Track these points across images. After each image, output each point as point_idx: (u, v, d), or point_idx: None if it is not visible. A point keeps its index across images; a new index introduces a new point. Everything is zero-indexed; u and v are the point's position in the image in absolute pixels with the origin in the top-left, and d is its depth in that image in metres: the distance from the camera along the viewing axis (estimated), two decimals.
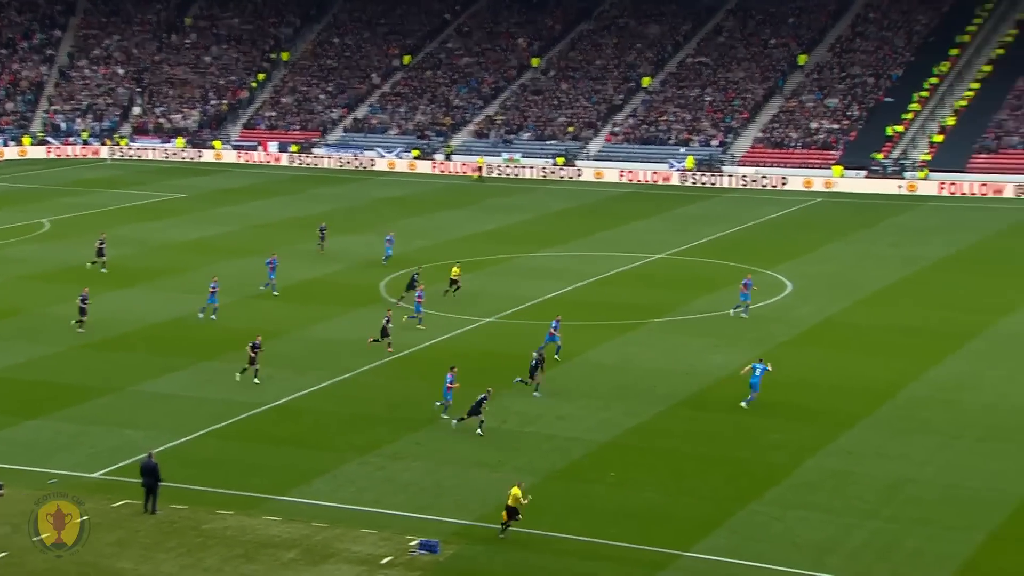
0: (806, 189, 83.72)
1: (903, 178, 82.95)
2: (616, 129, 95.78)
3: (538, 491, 31.97)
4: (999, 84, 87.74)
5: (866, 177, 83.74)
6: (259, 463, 34.16)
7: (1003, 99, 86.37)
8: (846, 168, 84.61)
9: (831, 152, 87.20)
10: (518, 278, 56.73)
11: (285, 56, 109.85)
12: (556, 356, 42.86)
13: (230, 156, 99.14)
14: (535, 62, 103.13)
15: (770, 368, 38.30)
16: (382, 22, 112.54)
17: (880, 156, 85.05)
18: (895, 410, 37.94)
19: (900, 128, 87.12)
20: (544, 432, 36.58)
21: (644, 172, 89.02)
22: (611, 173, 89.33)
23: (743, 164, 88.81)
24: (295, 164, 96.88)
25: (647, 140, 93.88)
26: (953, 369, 42.09)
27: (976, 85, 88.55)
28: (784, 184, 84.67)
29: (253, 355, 40.68)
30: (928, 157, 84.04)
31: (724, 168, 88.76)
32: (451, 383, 37.28)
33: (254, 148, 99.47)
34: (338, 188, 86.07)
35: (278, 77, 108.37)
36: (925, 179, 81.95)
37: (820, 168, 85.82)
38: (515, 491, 28.96)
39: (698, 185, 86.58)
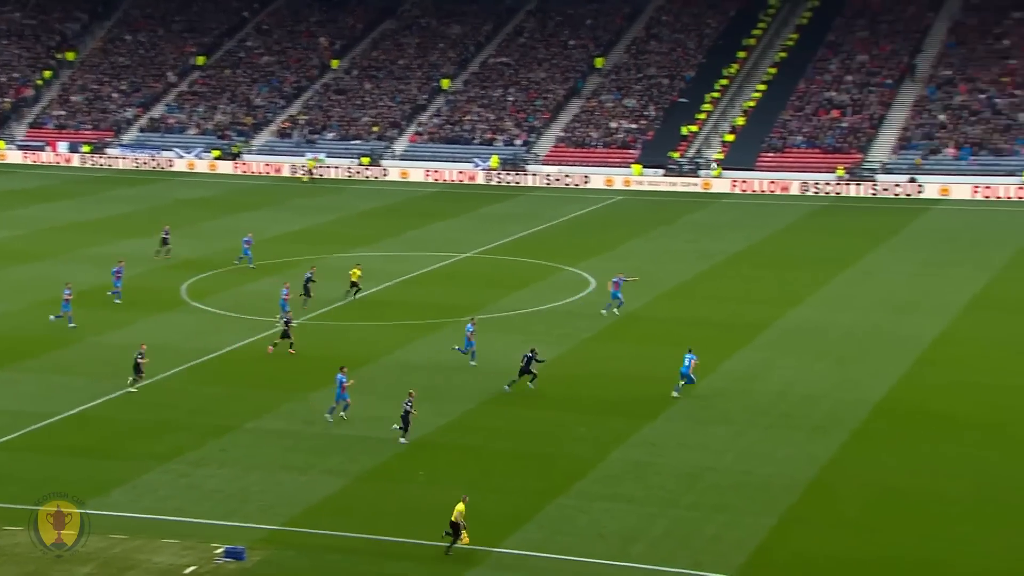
0: (607, 187, 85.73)
1: (698, 176, 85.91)
2: (420, 129, 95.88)
3: (348, 493, 31.75)
4: (783, 86, 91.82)
5: (664, 175, 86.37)
6: (52, 475, 32.68)
7: (787, 100, 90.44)
8: (645, 167, 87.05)
9: (630, 151, 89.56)
10: (325, 279, 56.07)
11: (70, 56, 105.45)
12: (472, 362, 42.89)
13: (15, 157, 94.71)
14: (335, 63, 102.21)
15: (696, 359, 39.57)
16: (177, 19, 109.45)
17: (676, 155, 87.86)
18: (694, 401, 39.19)
19: (694, 128, 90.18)
20: (354, 434, 36.30)
21: (450, 171, 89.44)
22: (417, 173, 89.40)
23: (546, 163, 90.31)
24: (88, 165, 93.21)
25: (452, 140, 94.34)
26: (747, 360, 43.73)
27: (763, 87, 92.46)
28: (586, 183, 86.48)
29: (140, 363, 39.48)
30: (721, 156, 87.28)
31: (528, 167, 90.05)
32: (344, 383, 36.90)
33: (42, 148, 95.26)
34: (136, 189, 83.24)
35: (66, 75, 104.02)
36: (719, 177, 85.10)
37: (620, 167, 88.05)
38: (460, 507, 28.23)
39: (503, 184, 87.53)
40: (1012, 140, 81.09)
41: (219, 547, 28.09)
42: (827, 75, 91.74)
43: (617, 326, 48.67)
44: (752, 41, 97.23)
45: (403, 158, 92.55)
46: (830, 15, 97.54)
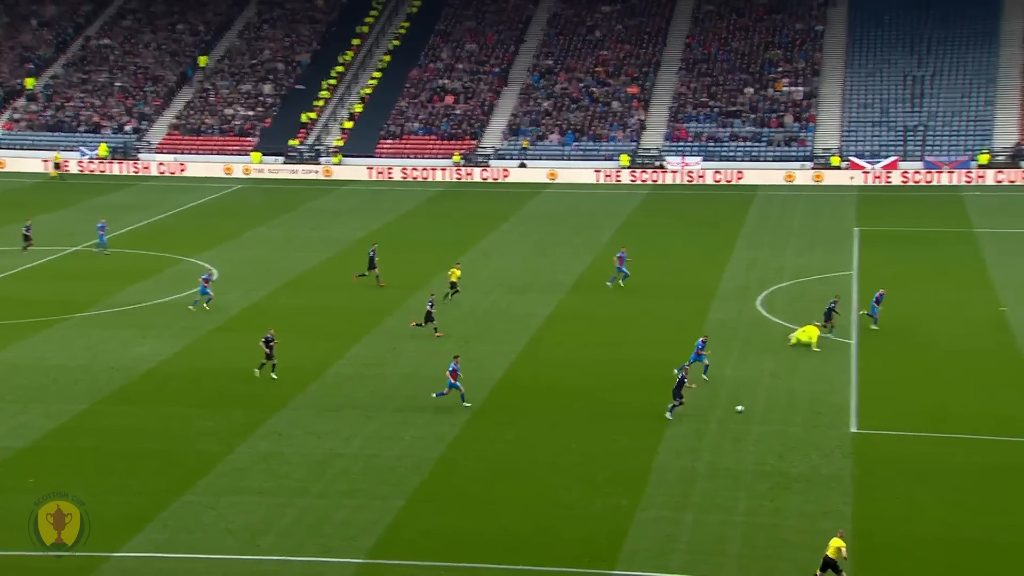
0: (226, 175, 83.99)
1: (319, 163, 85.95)
2: (17, 115, 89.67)
3: None
4: (397, 73, 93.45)
5: (284, 163, 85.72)
6: None
7: (401, 88, 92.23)
8: (264, 154, 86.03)
9: (248, 138, 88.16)
10: None
11: None
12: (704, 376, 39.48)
13: None
14: None
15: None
16: None
17: (296, 142, 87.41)
18: (323, 388, 39.29)
19: (313, 115, 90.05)
20: None
21: (54, 160, 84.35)
22: (14, 162, 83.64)
23: (160, 151, 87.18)
24: None
25: (53, 127, 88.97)
26: (374, 345, 44.28)
27: (378, 74, 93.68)
28: (204, 171, 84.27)
29: (268, 350, 39.25)
30: (341, 143, 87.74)
31: (140, 156, 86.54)
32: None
33: None
34: None
35: None
36: (339, 164, 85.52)
37: (239, 154, 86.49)
38: (839, 543, 25.73)
39: (115, 173, 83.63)
40: (608, 127, 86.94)
41: None
42: (439, 63, 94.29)
43: (243, 316, 47.92)
44: (365, 29, 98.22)
45: None
46: (439, 4, 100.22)
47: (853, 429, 35.46)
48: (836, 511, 29.91)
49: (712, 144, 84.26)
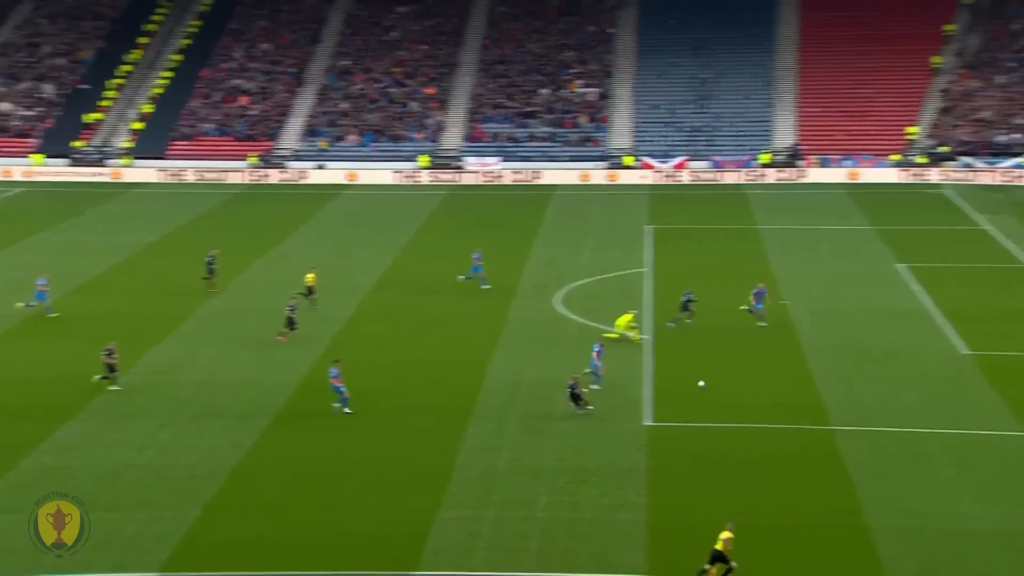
0: (5, 179, 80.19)
1: (107, 166, 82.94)
2: None
3: None
4: (189, 73, 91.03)
5: (69, 165, 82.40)
6: None
7: (193, 87, 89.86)
8: (48, 156, 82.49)
9: (28, 140, 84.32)
10: None
11: None
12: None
13: None
14: None
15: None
16: None
17: (81, 144, 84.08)
18: (112, 397, 37.91)
19: (99, 115, 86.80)
20: None
21: None
22: None
23: None
24: None
25: None
26: (168, 352, 43.01)
27: (169, 74, 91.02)
28: None
29: (112, 362, 37.77)
30: (131, 144, 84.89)
31: None
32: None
33: None
34: None
35: None
36: (129, 166, 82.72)
37: (17, 156, 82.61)
38: (727, 535, 25.97)
39: None
40: (407, 127, 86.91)
41: None
42: (232, 63, 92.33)
43: (25, 326, 45.86)
44: (154, 27, 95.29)
45: None
46: (231, 2, 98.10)
47: (648, 422, 36.47)
48: (631, 503, 30.69)
49: (510, 144, 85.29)
